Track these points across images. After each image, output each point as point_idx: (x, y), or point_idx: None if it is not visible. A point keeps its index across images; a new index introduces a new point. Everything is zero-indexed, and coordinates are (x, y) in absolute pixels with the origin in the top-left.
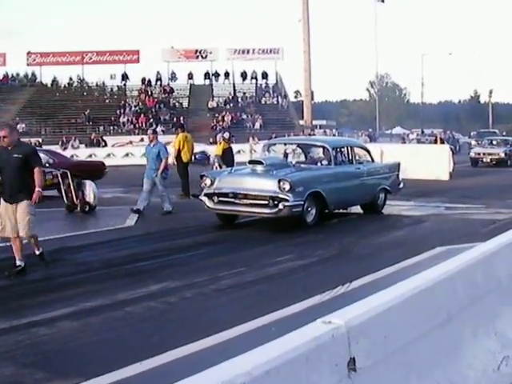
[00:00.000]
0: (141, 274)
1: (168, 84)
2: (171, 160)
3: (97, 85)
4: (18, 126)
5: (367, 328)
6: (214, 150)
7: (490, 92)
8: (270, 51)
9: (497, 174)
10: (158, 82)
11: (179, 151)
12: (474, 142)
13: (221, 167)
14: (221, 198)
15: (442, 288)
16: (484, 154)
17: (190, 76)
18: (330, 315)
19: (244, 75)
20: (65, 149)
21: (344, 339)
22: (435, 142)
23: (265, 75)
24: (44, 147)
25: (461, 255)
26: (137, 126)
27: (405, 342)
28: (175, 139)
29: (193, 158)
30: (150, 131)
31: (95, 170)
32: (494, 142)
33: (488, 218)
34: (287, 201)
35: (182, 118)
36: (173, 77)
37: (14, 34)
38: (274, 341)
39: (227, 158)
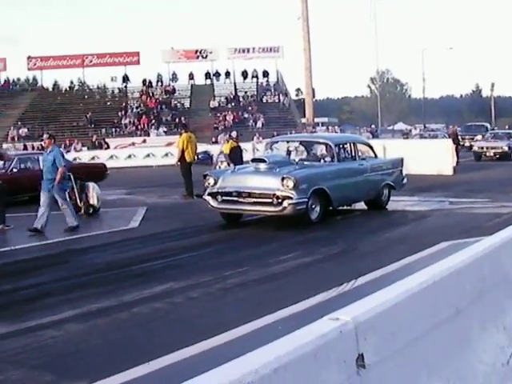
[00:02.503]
0: (146, 274)
1: (169, 85)
2: (174, 161)
3: (98, 87)
4: (21, 131)
5: (375, 324)
6: (217, 150)
7: (492, 86)
8: (271, 50)
9: (500, 167)
10: (159, 83)
11: (183, 151)
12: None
13: (229, 165)
14: (224, 197)
15: (449, 282)
16: (487, 147)
17: (191, 76)
18: (337, 312)
19: (245, 74)
20: (67, 152)
21: (352, 335)
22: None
23: (265, 74)
24: None
25: (467, 249)
26: (139, 127)
27: (413, 338)
28: (179, 139)
29: (196, 157)
30: (45, 135)
31: (97, 172)
32: (499, 134)
33: (492, 212)
34: (291, 198)
35: (183, 119)
36: (174, 77)
37: (14, 40)
38: (282, 338)
39: (235, 156)
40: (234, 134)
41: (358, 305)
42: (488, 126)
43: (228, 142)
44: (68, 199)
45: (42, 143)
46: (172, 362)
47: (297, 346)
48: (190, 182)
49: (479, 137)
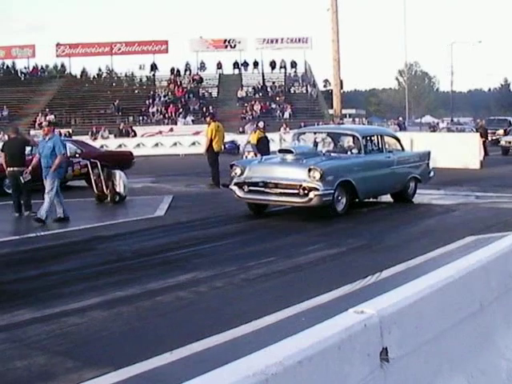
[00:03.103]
0: (171, 263)
1: (197, 74)
2: (203, 150)
3: (126, 75)
4: (48, 118)
5: (399, 318)
6: (244, 140)
7: None
8: (299, 40)
9: None
10: (187, 72)
11: (211, 140)
12: None
13: (256, 155)
14: (251, 188)
15: (474, 278)
16: None
17: (219, 66)
18: (362, 305)
19: (273, 64)
20: (94, 139)
21: (376, 329)
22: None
23: (294, 64)
24: (73, 138)
25: (493, 245)
26: (166, 116)
27: (437, 332)
28: (207, 128)
29: (223, 147)
30: (44, 123)
31: (123, 160)
32: None
33: None
34: (317, 190)
35: (211, 108)
36: (202, 66)
37: (43, 27)
38: (306, 330)
39: (262, 146)
40: (261, 124)
41: (383, 298)
42: (511, 120)
43: (255, 132)
44: (57, 190)
45: (41, 131)
46: (195, 351)
47: (321, 339)
48: (216, 171)
49: (501, 131)
